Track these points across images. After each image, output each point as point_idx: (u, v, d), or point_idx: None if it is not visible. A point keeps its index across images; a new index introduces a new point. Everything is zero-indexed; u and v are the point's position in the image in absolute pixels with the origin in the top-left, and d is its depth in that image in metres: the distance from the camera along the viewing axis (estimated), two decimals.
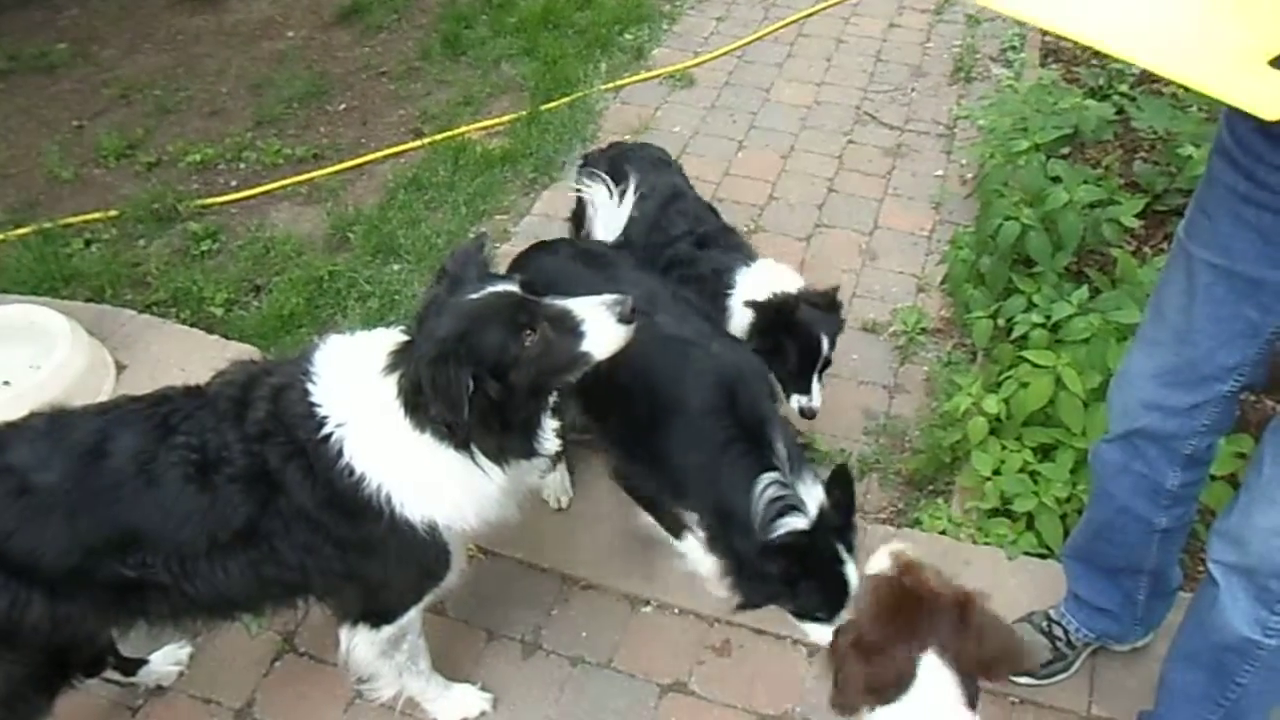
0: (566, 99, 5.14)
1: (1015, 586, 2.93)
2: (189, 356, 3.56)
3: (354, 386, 2.16)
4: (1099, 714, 2.68)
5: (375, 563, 2.26)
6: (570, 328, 2.13)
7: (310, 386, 2.16)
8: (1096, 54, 5.16)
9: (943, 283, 4.02)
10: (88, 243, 4.30)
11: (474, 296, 2.11)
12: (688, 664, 2.80)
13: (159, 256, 4.21)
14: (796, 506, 2.43)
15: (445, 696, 2.66)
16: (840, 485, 2.47)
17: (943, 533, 3.11)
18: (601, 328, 2.15)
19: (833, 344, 3.10)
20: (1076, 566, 2.69)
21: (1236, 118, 1.89)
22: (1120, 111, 4.27)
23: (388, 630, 2.40)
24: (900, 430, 3.54)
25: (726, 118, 5.13)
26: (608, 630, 2.87)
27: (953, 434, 3.29)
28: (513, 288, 2.14)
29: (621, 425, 2.78)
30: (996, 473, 3.15)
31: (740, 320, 3.10)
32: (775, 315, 3.04)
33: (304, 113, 5.18)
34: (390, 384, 2.11)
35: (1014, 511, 3.10)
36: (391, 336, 2.20)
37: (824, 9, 6.04)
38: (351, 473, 2.12)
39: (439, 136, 4.88)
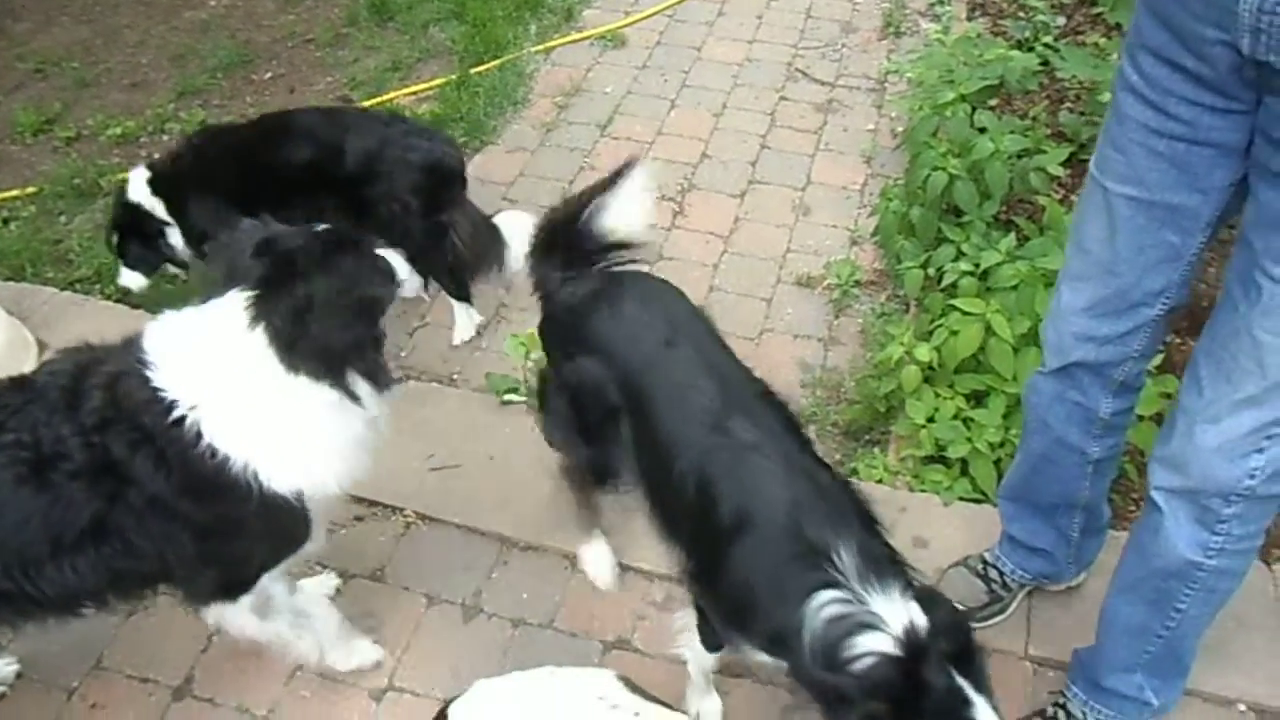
0: (496, 62, 5.08)
1: (951, 532, 2.98)
2: (113, 333, 3.45)
3: (201, 363, 2.08)
4: (1036, 653, 2.73)
5: (239, 542, 2.22)
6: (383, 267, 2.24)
7: (150, 372, 2.07)
8: (1023, 6, 5.20)
9: (874, 235, 4.04)
10: (6, 221, 4.20)
11: (311, 234, 2.15)
12: (630, 621, 2.81)
13: (81, 233, 4.11)
14: (871, 624, 1.82)
15: (344, 646, 2.65)
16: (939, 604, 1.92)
17: (879, 481, 3.14)
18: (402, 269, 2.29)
19: None
20: (1011, 507, 2.74)
21: (1141, 54, 1.93)
22: (1045, 63, 4.30)
23: (246, 599, 2.36)
24: (836, 382, 3.56)
25: (658, 77, 5.10)
26: (549, 590, 2.87)
27: (887, 383, 3.32)
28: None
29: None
30: (931, 420, 3.19)
31: None
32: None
33: (229, 82, 5.08)
34: (254, 338, 2.04)
35: (948, 458, 3.14)
36: (224, 305, 2.09)
37: None
38: (214, 454, 2.05)
39: (368, 103, 4.79)
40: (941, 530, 2.99)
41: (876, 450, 3.28)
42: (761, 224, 4.22)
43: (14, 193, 4.32)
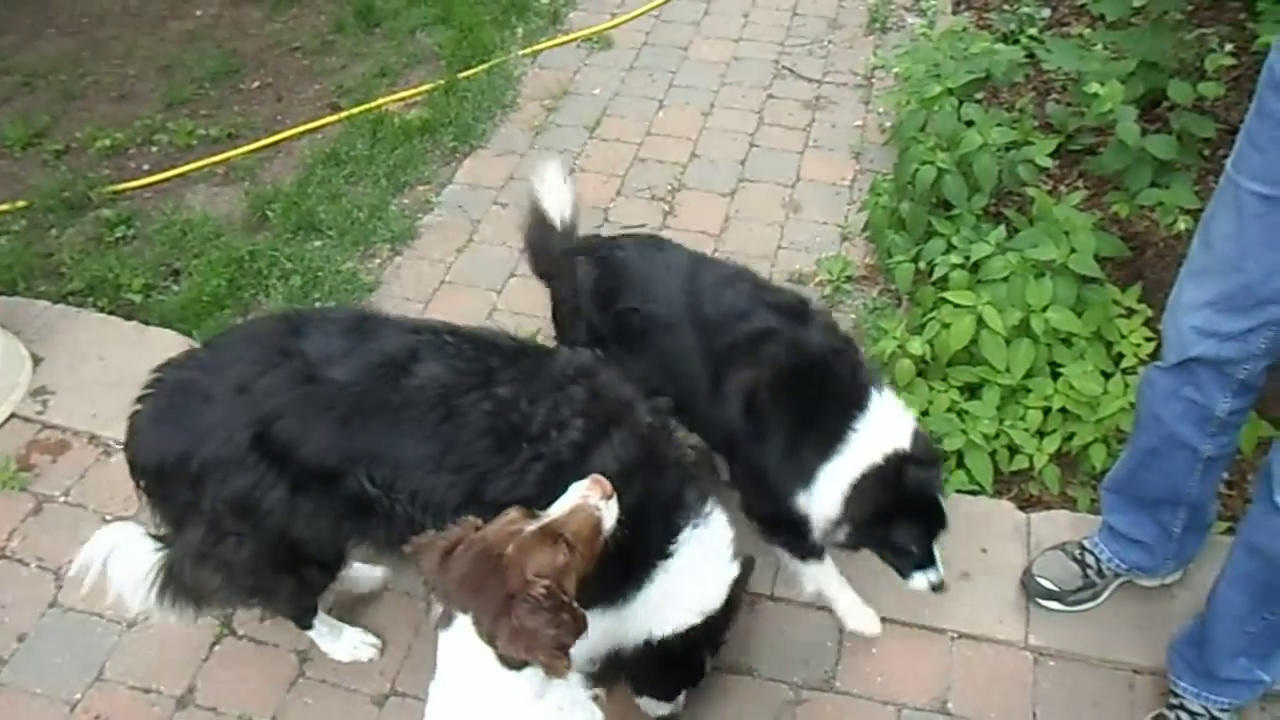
0: (484, 66, 5.08)
1: (949, 524, 2.98)
2: (107, 345, 3.50)
3: None
4: (1036, 643, 2.75)
5: None
6: None
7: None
8: None
9: (865, 230, 4.05)
10: None
11: None
12: None
13: (72, 245, 4.10)
14: None
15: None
16: None
17: None
18: None
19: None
20: (1113, 499, 2.74)
21: None
22: (1031, 55, 4.32)
23: None
24: None
25: (646, 78, 5.11)
26: None
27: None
28: None
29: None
30: (925, 413, 3.21)
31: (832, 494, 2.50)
32: (886, 492, 2.46)
33: (216, 92, 5.06)
34: None
35: (944, 451, 3.15)
36: None
37: None
38: None
39: (356, 110, 4.80)
40: None
41: None
42: (752, 222, 4.23)
43: (4, 207, 4.29)
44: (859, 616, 2.78)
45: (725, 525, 2.36)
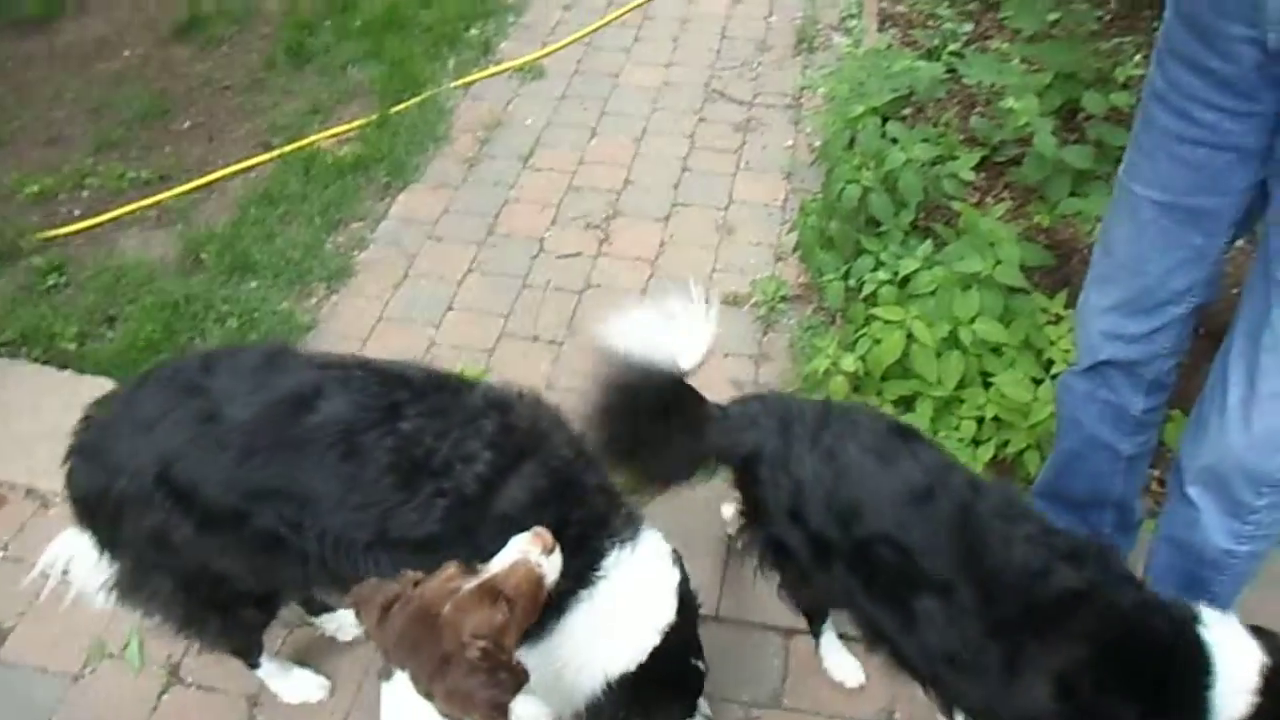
0: (416, 99, 5.10)
1: None
2: (42, 395, 3.45)
3: None
4: None
5: None
6: None
7: None
8: (931, 16, 5.33)
9: (796, 250, 4.11)
10: None
11: None
12: None
13: (2, 295, 4.04)
14: None
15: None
16: None
17: None
18: None
19: None
20: (1043, 504, 2.80)
21: (1168, 60, 2.01)
22: (952, 70, 4.42)
23: None
24: None
25: (578, 106, 5.16)
26: None
27: (817, 396, 3.38)
28: None
29: None
30: None
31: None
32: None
33: (146, 134, 5.03)
34: None
35: None
36: None
37: None
38: None
39: (288, 148, 4.78)
40: None
41: None
42: (687, 246, 4.27)
43: None
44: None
45: (659, 542, 2.25)
